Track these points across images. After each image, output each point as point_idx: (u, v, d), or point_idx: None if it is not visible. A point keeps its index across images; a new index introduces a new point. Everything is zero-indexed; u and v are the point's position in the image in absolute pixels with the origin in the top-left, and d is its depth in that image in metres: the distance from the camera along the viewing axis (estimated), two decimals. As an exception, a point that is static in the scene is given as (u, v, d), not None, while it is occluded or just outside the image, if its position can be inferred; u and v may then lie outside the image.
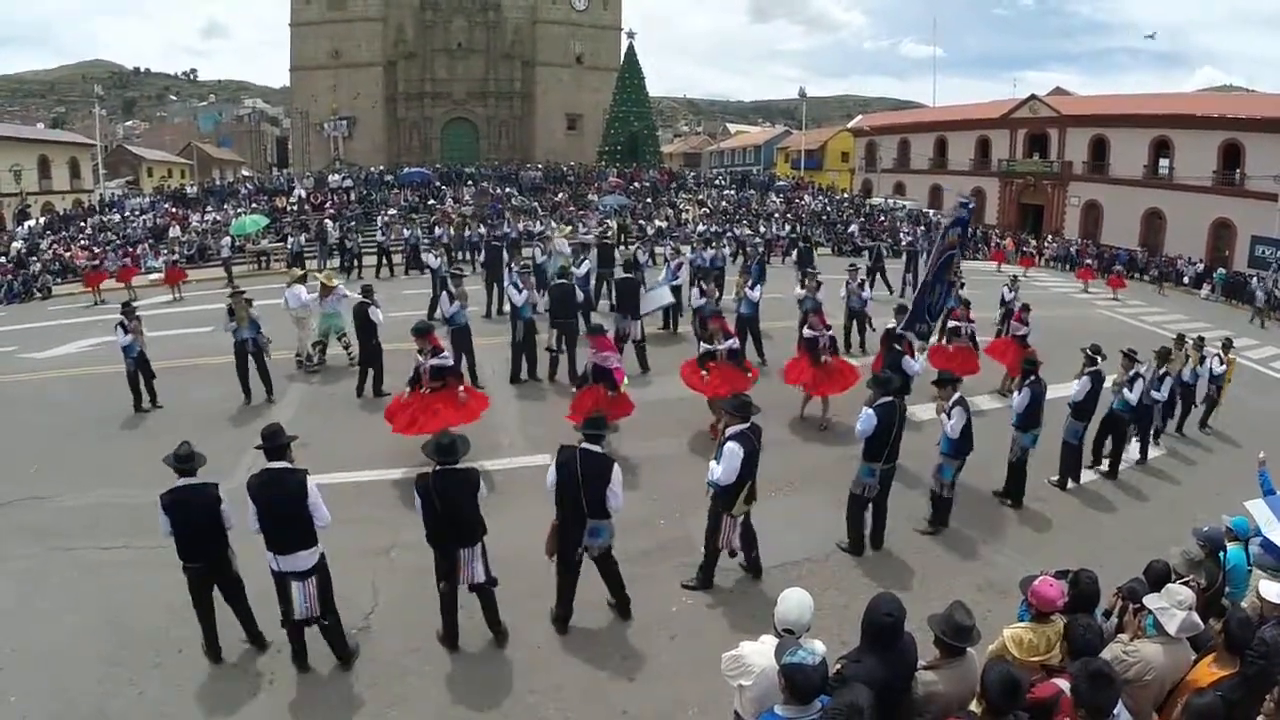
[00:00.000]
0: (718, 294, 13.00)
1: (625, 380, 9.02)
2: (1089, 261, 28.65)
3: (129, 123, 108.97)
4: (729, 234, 28.24)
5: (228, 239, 25.50)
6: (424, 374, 8.65)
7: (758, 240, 26.90)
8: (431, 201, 33.56)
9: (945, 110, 52.63)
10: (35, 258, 25.74)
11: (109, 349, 14.71)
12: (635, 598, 6.17)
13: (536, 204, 34.03)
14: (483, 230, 23.30)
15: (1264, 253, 30.14)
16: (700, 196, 38.46)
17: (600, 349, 8.84)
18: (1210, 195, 33.15)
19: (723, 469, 5.90)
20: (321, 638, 5.36)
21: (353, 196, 34.30)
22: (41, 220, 32.77)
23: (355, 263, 23.44)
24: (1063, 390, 9.25)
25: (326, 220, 27.22)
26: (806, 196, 40.76)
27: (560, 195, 36.28)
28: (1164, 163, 35.79)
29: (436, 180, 38.12)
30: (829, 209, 38.38)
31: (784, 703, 3.09)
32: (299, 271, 14.50)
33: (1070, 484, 9.05)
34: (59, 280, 24.97)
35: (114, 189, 44.66)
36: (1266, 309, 23.80)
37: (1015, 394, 8.57)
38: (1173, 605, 3.81)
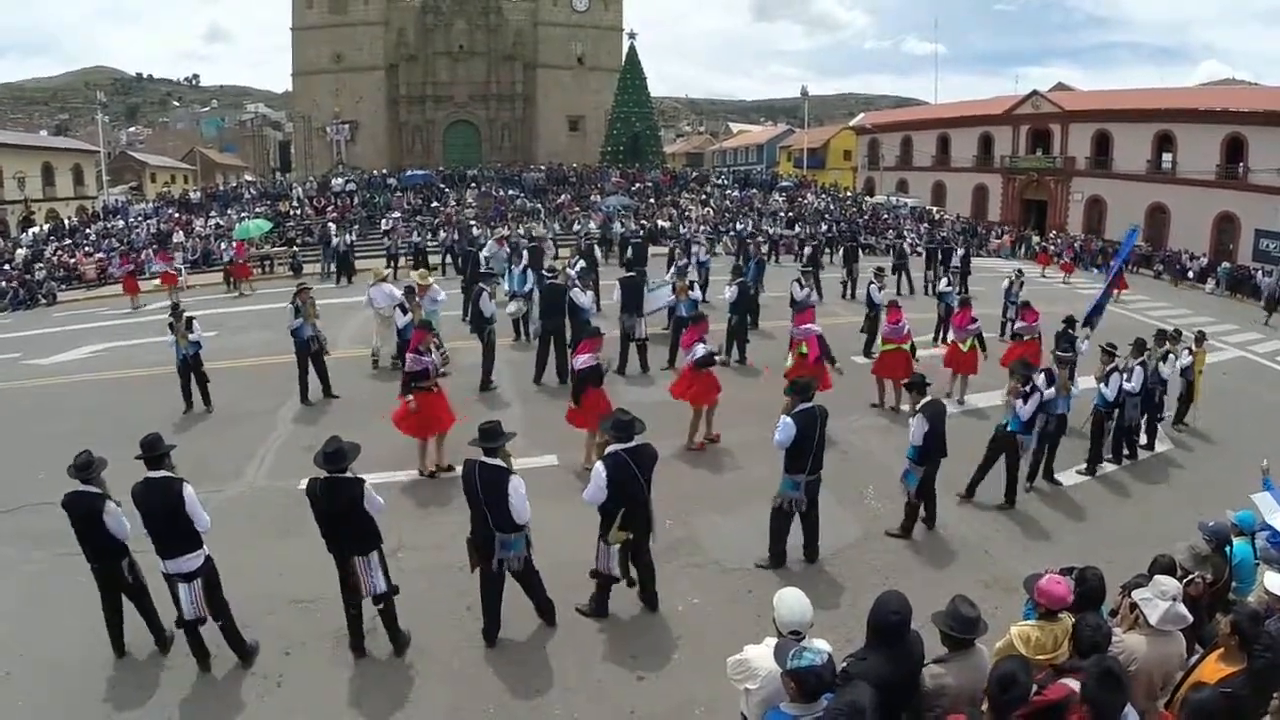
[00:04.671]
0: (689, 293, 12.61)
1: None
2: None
3: (132, 129, 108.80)
4: (730, 231, 28.27)
5: (232, 243, 25.64)
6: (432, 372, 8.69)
7: (760, 238, 26.87)
8: (435, 204, 33.60)
9: (948, 107, 52.62)
10: (40, 264, 25.84)
11: (112, 354, 14.86)
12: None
13: (540, 205, 34.06)
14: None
15: (1268, 246, 30.03)
16: (703, 196, 38.45)
17: (578, 352, 8.83)
18: (1214, 189, 33.06)
19: (587, 490, 5.66)
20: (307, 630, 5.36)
21: (356, 200, 34.40)
22: (46, 227, 32.85)
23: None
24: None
25: (330, 224, 27.28)
26: (809, 195, 40.73)
27: (563, 196, 36.31)
28: (1167, 157, 35.70)
29: (439, 183, 38.19)
30: (832, 207, 38.36)
31: (790, 700, 3.10)
32: (384, 270, 14.33)
33: (1072, 480, 9.06)
34: (64, 287, 25.09)
35: (118, 195, 44.71)
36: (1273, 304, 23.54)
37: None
38: (1156, 596, 3.79)
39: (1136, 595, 3.89)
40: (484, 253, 17.47)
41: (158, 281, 22.61)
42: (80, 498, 5.29)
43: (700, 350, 9.36)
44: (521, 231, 24.12)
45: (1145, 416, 10.23)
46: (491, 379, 11.69)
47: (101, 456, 5.43)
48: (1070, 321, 11.44)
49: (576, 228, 27.16)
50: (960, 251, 22.22)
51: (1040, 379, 8.36)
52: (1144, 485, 9.34)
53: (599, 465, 5.64)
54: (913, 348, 11.14)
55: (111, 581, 5.45)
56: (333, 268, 23.65)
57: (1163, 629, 3.77)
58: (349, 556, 5.32)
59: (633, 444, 5.67)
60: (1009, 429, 8.02)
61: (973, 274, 21.79)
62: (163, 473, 5.30)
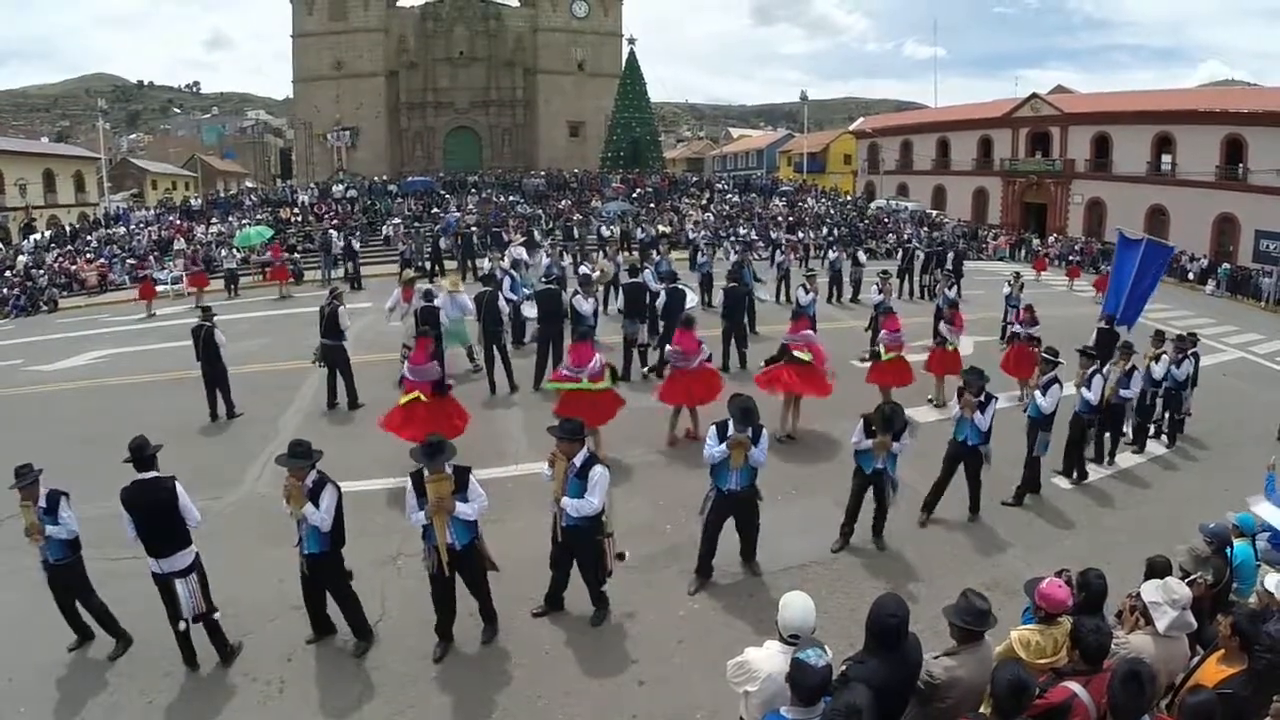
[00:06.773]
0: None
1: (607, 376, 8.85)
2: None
3: (133, 136, 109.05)
4: (732, 237, 28.28)
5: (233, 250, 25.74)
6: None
7: (760, 242, 26.83)
8: (435, 210, 33.63)
9: (947, 111, 52.70)
10: (42, 270, 25.89)
11: (115, 361, 14.87)
12: (642, 603, 6.21)
13: (540, 211, 34.09)
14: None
15: (1268, 247, 30.01)
16: (703, 201, 38.48)
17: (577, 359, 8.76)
18: (1214, 190, 33.07)
19: (598, 500, 5.57)
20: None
21: (356, 206, 34.45)
22: (47, 233, 32.91)
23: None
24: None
25: (330, 230, 27.31)
26: (810, 200, 40.78)
27: (564, 202, 36.35)
28: (1166, 159, 35.69)
29: (440, 189, 38.25)
30: (832, 212, 38.40)
31: (790, 704, 3.10)
32: (410, 274, 14.10)
33: (1074, 483, 9.05)
34: (66, 293, 25.14)
35: (119, 202, 44.86)
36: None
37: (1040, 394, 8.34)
38: (1167, 602, 3.78)
39: (1146, 596, 3.89)
40: (513, 253, 17.22)
41: (183, 286, 23.04)
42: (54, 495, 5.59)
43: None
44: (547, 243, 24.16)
45: (1137, 420, 10.27)
46: (512, 382, 11.75)
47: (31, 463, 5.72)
48: (1110, 320, 11.47)
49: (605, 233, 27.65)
50: (952, 254, 22.33)
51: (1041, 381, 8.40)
52: (1143, 488, 9.31)
53: (604, 472, 5.64)
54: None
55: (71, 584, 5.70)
56: (334, 273, 23.65)
57: (1169, 635, 3.78)
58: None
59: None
60: (967, 443, 7.58)
61: (965, 276, 21.83)
62: (153, 473, 5.37)
